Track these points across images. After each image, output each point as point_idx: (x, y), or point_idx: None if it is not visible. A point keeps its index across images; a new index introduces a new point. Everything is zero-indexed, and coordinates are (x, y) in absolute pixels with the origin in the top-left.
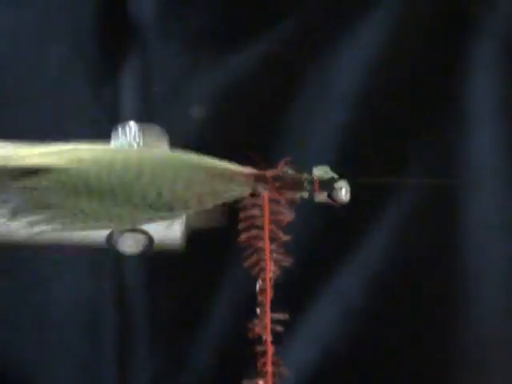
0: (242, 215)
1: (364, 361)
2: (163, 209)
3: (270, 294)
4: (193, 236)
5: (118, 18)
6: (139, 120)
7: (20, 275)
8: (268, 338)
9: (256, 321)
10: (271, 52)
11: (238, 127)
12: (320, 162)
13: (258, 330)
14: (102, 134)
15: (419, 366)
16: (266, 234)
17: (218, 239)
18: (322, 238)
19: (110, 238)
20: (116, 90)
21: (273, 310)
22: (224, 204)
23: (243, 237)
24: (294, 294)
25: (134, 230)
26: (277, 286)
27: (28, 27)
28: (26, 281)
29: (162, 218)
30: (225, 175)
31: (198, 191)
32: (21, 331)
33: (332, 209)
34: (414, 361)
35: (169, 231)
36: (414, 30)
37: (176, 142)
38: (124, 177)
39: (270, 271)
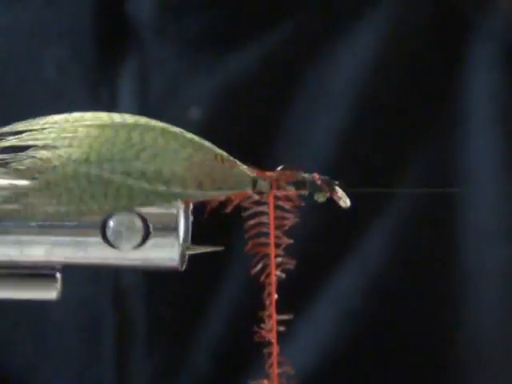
0: (247, 223)
1: (363, 361)
2: (161, 183)
3: (274, 296)
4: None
5: (116, 19)
6: None
7: None
8: (274, 340)
9: (262, 324)
10: (270, 52)
11: (236, 128)
12: (319, 162)
13: (264, 333)
14: None
15: (418, 367)
16: (272, 239)
17: (218, 241)
18: (321, 239)
19: (104, 228)
20: (114, 91)
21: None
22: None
23: (250, 245)
24: (293, 294)
25: (130, 212)
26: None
27: (25, 28)
28: None
29: (160, 196)
30: (225, 161)
31: (198, 173)
32: (19, 332)
33: (331, 209)
34: (414, 361)
35: (167, 252)
36: (413, 30)
37: None
38: (125, 152)
39: (275, 275)
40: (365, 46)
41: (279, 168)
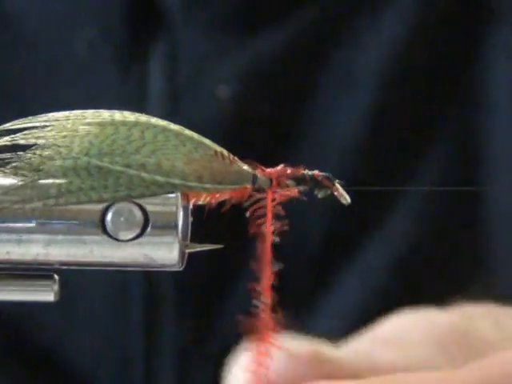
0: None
1: None
2: (161, 175)
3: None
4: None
5: (145, 2)
6: (166, 103)
7: None
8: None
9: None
10: (296, 34)
11: (262, 107)
12: (345, 145)
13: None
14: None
15: None
16: (269, 234)
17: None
18: (348, 217)
19: (103, 218)
20: (144, 71)
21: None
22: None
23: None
24: (320, 270)
25: (129, 202)
26: (301, 264)
27: (58, 10)
28: None
29: (160, 187)
30: (225, 157)
31: (198, 168)
32: (47, 304)
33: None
34: None
35: (166, 252)
36: (437, 17)
37: (202, 123)
38: (125, 147)
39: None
40: (390, 30)
41: (280, 166)
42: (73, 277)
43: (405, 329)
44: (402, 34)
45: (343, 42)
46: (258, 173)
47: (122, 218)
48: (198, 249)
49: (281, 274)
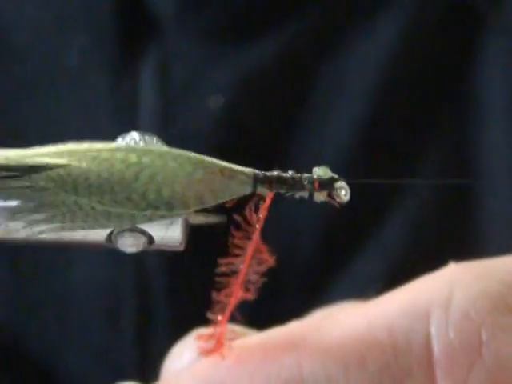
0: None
1: None
2: (163, 208)
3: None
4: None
5: (138, 10)
6: (157, 113)
7: (40, 256)
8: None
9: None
10: (290, 42)
11: (254, 120)
12: (338, 155)
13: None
14: (122, 123)
15: None
16: (257, 235)
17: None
18: (341, 226)
19: (109, 237)
20: (135, 81)
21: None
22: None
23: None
24: (312, 280)
25: (133, 230)
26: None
27: (48, 18)
28: (47, 262)
29: (162, 217)
30: (224, 174)
31: (198, 190)
32: (41, 311)
33: (351, 198)
34: None
35: (169, 231)
36: (430, 23)
37: (194, 133)
38: (124, 175)
39: (250, 273)
40: (383, 37)
41: (276, 171)
42: (67, 288)
43: None
44: (394, 43)
45: (335, 52)
46: (257, 177)
47: (127, 242)
48: (202, 221)
49: (273, 279)
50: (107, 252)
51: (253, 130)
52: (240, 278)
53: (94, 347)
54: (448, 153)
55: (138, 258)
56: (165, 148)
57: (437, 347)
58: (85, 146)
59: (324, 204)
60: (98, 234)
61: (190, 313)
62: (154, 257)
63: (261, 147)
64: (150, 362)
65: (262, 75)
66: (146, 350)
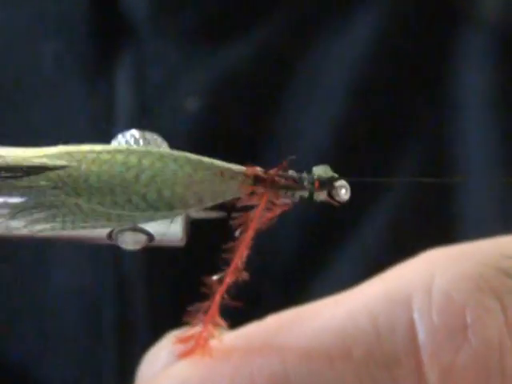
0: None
1: None
2: (163, 208)
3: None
4: (194, 229)
5: (112, 12)
6: (134, 116)
7: (19, 264)
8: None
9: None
10: (265, 43)
11: (231, 121)
12: (314, 155)
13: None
14: (98, 129)
15: None
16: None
17: (218, 228)
18: (319, 227)
19: (110, 236)
20: (111, 84)
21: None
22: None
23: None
24: (290, 282)
25: (134, 229)
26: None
27: (21, 25)
28: (26, 269)
29: (163, 217)
30: (224, 174)
31: (198, 190)
32: (20, 320)
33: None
34: None
35: (170, 227)
36: (405, 21)
37: (171, 137)
38: (124, 176)
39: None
40: (358, 36)
41: (276, 169)
42: (45, 295)
43: None
44: (370, 41)
45: (311, 52)
46: (256, 176)
47: (127, 240)
48: (203, 216)
49: (253, 283)
50: (86, 259)
51: (230, 131)
52: (224, 282)
53: (74, 355)
54: (425, 151)
55: (117, 264)
56: (165, 149)
57: (421, 332)
58: (85, 147)
59: (301, 206)
60: (99, 232)
61: (170, 319)
62: (133, 263)
63: (238, 148)
64: (131, 369)
65: (238, 76)
66: (127, 357)
